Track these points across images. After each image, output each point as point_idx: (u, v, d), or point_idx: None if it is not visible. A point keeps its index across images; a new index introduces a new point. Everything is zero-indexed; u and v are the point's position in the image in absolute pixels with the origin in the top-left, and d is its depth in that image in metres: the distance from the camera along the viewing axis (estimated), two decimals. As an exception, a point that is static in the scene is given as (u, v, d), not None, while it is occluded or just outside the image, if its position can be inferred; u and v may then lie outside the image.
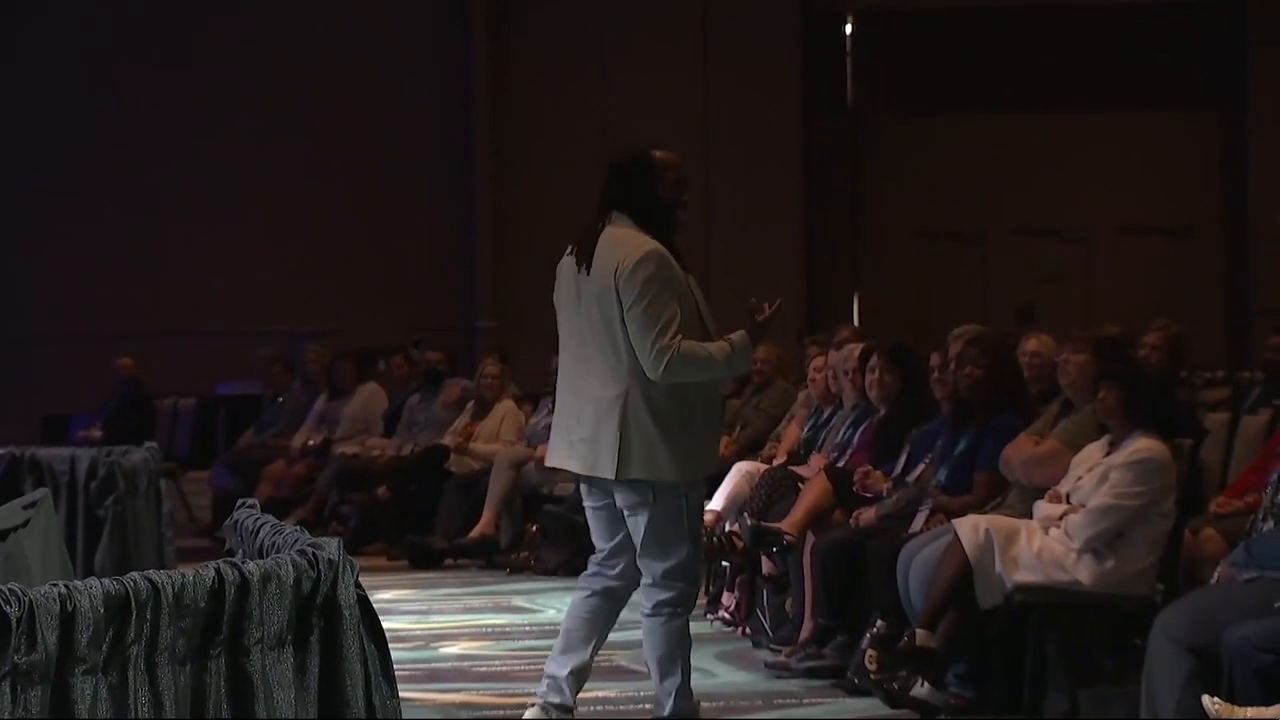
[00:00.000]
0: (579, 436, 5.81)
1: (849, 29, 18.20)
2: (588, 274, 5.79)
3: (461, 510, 11.85)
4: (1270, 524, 5.90)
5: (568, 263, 5.91)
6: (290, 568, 2.84)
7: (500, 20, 17.67)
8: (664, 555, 5.79)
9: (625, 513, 5.83)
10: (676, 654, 5.85)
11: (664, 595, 5.82)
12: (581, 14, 17.64)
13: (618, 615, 6.09)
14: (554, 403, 6.16)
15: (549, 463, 6.16)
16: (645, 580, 5.85)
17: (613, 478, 5.72)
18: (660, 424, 5.71)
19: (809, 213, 17.97)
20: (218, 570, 2.75)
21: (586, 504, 6.02)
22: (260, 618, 2.79)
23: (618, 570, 5.95)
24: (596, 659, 6.09)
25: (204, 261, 17.33)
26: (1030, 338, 7.91)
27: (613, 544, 5.94)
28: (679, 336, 5.68)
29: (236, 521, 3.51)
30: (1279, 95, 17.83)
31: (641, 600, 5.89)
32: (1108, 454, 6.47)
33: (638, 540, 5.81)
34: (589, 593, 5.99)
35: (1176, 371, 9.35)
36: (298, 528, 3.26)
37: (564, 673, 5.92)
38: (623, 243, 5.75)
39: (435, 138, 17.74)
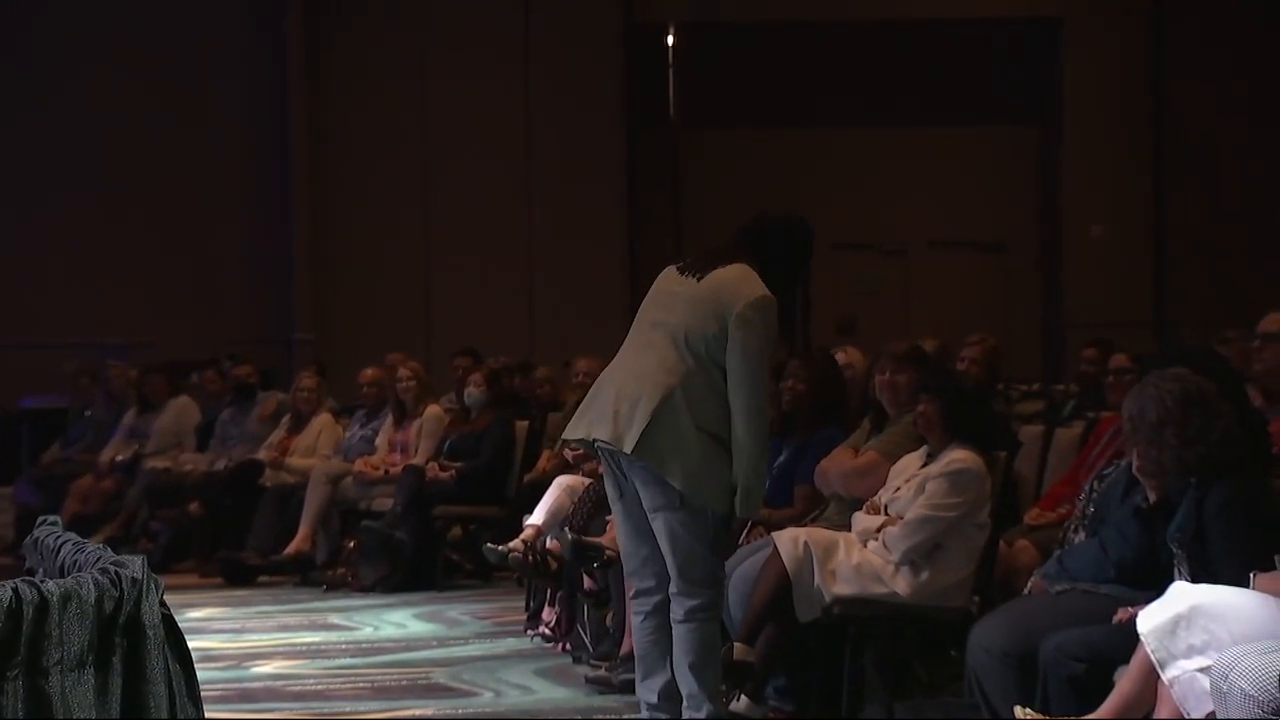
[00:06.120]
0: (619, 409, 5.76)
1: (670, 41, 18.25)
2: (697, 281, 5.84)
3: (276, 526, 11.67)
4: (1082, 535, 5.99)
5: (670, 274, 5.95)
6: (92, 587, 2.77)
7: (315, 26, 17.45)
8: (690, 561, 5.78)
9: (651, 514, 5.80)
10: (708, 659, 5.84)
11: (694, 601, 5.80)
12: (399, 23, 17.49)
13: None
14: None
15: (567, 435, 6.05)
16: (673, 589, 5.83)
17: (629, 451, 5.67)
18: (689, 428, 5.69)
19: (631, 224, 18.00)
20: (15, 590, 2.67)
21: (614, 508, 5.99)
22: (60, 638, 2.73)
23: (655, 582, 5.92)
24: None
25: (5, 272, 16.90)
26: (839, 351, 7.96)
27: (642, 555, 5.91)
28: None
29: (37, 539, 3.42)
30: (1093, 111, 18.23)
31: (673, 608, 5.85)
32: (925, 465, 6.52)
33: (663, 543, 5.80)
34: (643, 616, 5.97)
35: (993, 384, 9.50)
36: (101, 545, 3.19)
37: (654, 698, 5.93)
38: (751, 279, 5.80)
39: (248, 146, 17.47)
